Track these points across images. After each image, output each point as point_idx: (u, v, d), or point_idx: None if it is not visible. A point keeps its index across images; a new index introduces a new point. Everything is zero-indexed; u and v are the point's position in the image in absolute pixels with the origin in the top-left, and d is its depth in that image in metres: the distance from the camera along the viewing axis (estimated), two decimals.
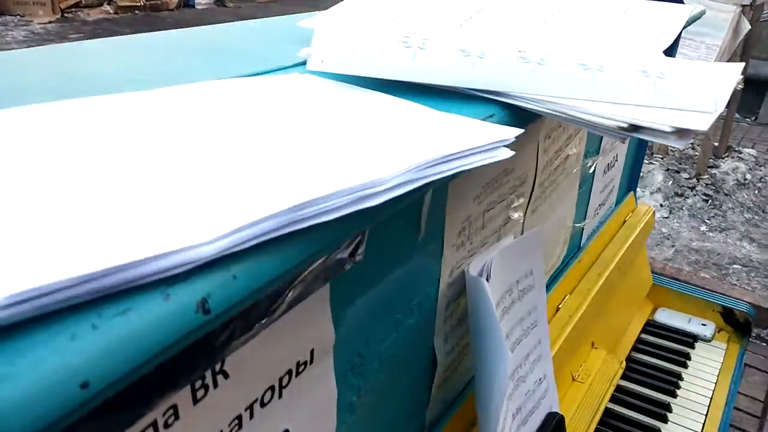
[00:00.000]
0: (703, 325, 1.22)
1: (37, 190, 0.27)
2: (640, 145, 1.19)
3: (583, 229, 1.01)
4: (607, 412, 0.95)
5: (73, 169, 0.30)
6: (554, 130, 0.74)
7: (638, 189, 3.04)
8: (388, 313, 0.52)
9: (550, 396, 0.78)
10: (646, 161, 3.30)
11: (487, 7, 0.66)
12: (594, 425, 0.86)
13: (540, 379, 0.77)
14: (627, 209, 1.18)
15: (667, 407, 1.01)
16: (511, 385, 0.70)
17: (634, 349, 1.14)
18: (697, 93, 0.46)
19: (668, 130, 0.42)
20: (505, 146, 0.39)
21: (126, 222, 0.25)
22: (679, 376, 1.08)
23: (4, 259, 0.22)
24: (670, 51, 0.70)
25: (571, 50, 0.49)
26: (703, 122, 0.42)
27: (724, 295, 1.27)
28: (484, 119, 0.45)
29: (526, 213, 0.74)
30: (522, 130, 0.40)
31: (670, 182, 3.12)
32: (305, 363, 0.42)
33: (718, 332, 1.21)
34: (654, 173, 3.18)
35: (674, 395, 1.04)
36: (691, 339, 1.18)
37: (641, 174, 3.17)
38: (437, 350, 0.62)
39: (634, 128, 0.43)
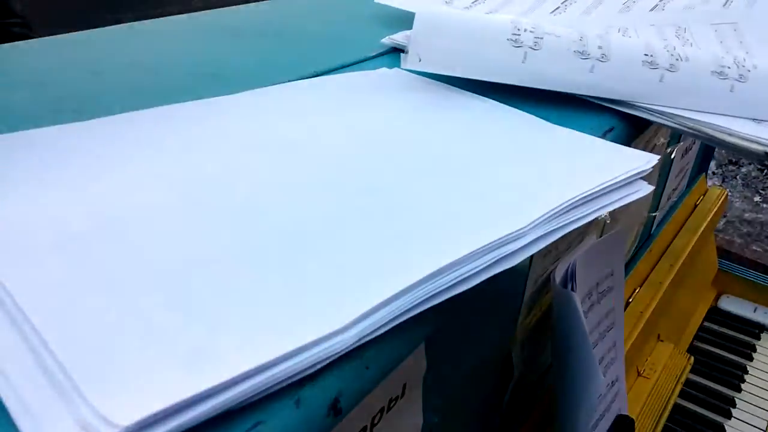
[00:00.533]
0: None
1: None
2: None
3: (654, 216, 0.96)
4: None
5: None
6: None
7: None
8: (474, 331, 0.49)
9: (621, 398, 0.75)
10: None
11: None
12: (662, 424, 0.83)
13: (612, 382, 0.73)
14: (698, 192, 1.11)
15: (732, 402, 0.97)
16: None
17: (697, 337, 1.10)
18: None
19: None
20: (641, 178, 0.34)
21: (237, 304, 0.22)
22: (744, 369, 1.04)
23: (114, 377, 0.18)
24: None
25: (703, 51, 0.43)
26: None
27: None
28: (603, 134, 0.40)
29: None
30: (659, 157, 0.35)
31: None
32: (397, 398, 0.39)
33: None
34: None
35: (738, 389, 1.00)
36: (756, 329, 1.13)
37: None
38: (515, 359, 0.58)
39: None
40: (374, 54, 0.50)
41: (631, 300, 0.85)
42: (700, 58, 0.42)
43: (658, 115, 0.41)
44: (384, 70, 0.45)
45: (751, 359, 1.07)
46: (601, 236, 0.67)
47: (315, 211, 0.27)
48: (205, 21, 0.54)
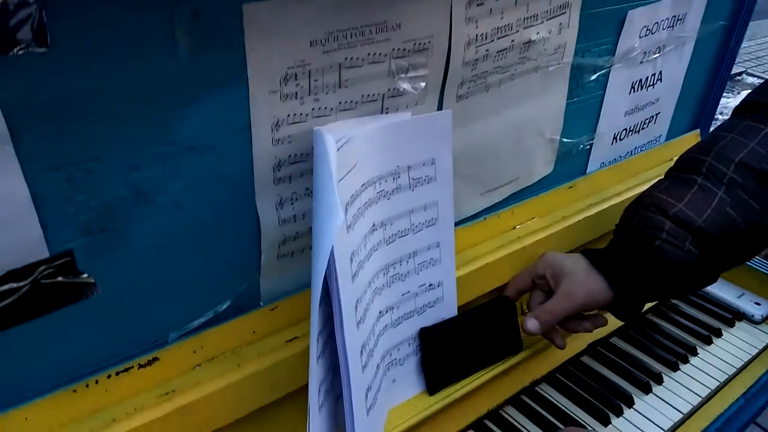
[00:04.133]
0: (756, 303, 1.00)
1: None
2: (716, 72, 0.96)
3: (590, 152, 0.85)
4: (583, 366, 0.83)
5: None
6: None
7: None
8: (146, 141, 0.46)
9: (444, 306, 0.68)
10: None
11: None
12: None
13: (430, 285, 0.67)
14: (682, 148, 0.97)
15: (658, 377, 0.85)
16: (382, 279, 0.62)
17: (655, 311, 0.97)
18: None
19: None
20: None
21: None
22: (694, 350, 0.90)
23: None
24: None
25: None
26: None
27: None
28: None
29: (443, 93, 0.63)
30: None
31: None
32: None
33: None
34: None
35: (674, 368, 0.87)
36: (731, 316, 0.97)
37: None
38: (261, 213, 0.55)
39: None
40: None
41: (518, 226, 0.77)
42: None
43: None
44: None
45: (709, 343, 0.92)
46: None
47: None
48: None
